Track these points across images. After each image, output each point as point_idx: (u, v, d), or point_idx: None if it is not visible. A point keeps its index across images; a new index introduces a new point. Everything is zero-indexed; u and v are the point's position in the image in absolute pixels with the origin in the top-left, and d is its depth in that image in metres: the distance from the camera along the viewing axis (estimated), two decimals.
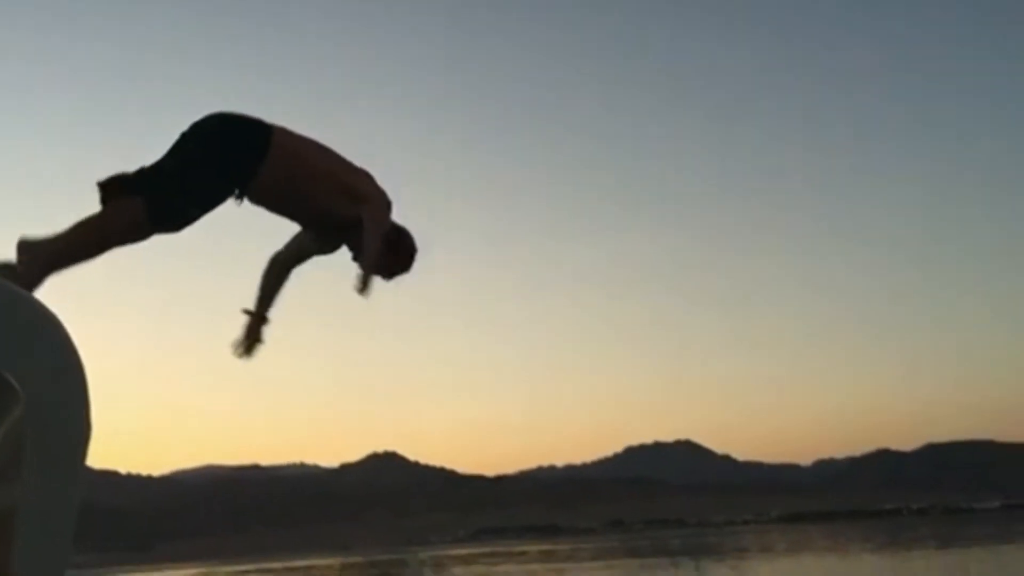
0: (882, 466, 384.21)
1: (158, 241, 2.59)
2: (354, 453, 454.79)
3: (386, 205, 3.05)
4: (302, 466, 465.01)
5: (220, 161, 2.82)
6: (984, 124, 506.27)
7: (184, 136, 2.84)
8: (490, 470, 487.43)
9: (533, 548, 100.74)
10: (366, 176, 3.04)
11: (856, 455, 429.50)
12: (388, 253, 3.02)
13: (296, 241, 3.12)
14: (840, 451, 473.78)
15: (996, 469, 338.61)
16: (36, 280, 2.63)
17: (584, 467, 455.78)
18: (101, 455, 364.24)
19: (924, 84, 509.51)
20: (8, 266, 2.63)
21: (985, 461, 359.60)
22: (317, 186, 2.90)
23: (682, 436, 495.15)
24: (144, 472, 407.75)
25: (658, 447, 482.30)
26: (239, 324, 3.06)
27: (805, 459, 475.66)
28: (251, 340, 3.11)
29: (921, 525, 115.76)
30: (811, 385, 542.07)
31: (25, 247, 2.65)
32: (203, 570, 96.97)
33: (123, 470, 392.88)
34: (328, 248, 3.14)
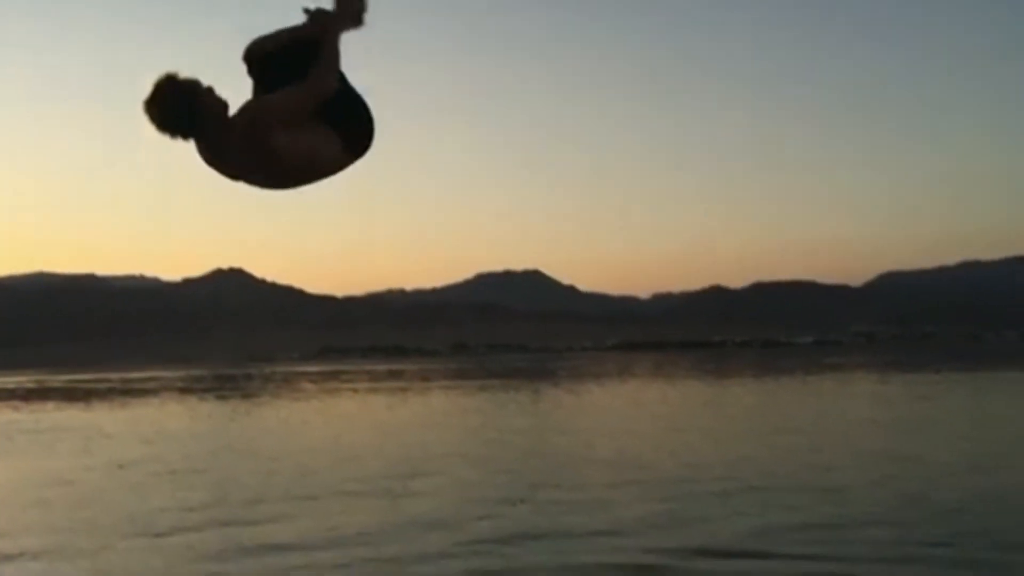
0: (714, 301, 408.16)
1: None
2: (197, 268, 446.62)
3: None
4: (141, 278, 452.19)
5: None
6: None
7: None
8: (339, 291, 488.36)
9: (379, 368, 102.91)
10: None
11: (691, 290, 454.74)
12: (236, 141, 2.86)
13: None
14: (676, 286, 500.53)
15: (814, 307, 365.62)
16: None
17: (433, 291, 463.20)
18: None
19: None
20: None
21: (805, 300, 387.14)
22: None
23: (530, 266, 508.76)
24: None
25: (507, 275, 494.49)
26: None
27: (644, 292, 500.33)
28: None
29: (742, 356, 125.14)
30: (653, 222, 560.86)
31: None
32: (36, 378, 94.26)
33: None
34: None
